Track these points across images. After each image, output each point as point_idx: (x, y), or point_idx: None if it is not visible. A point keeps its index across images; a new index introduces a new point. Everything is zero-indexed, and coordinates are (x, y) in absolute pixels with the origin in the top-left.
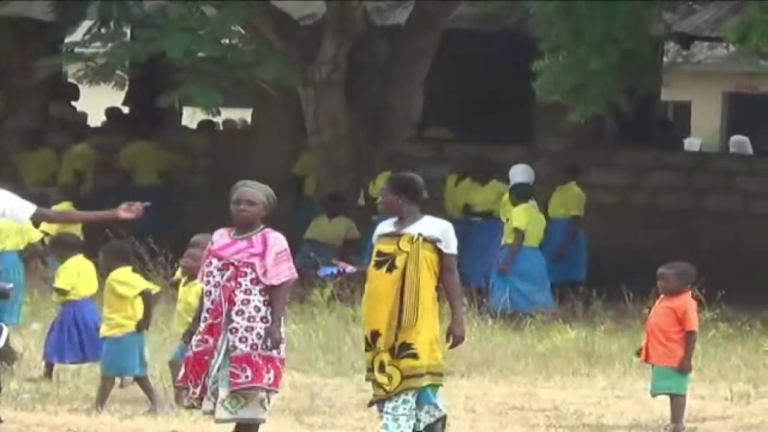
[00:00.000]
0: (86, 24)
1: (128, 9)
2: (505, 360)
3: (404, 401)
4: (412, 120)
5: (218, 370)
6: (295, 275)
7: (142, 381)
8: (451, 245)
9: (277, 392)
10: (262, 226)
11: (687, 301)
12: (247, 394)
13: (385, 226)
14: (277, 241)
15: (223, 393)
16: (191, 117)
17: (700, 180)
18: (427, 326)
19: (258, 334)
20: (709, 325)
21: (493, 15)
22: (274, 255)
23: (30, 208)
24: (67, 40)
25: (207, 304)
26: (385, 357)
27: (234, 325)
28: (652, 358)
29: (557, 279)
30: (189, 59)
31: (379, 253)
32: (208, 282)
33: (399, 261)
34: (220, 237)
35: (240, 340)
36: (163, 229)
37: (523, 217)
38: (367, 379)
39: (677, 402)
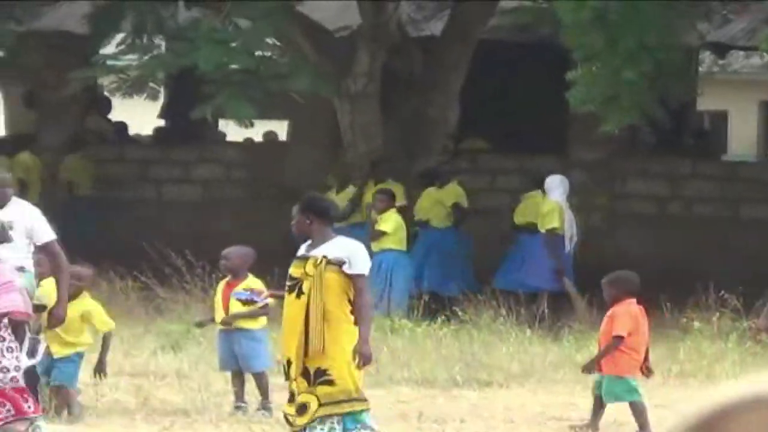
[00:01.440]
0: (120, 37)
1: (162, 22)
2: (544, 370)
3: (330, 428)
4: (447, 131)
5: None
6: (16, 308)
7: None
8: (357, 266)
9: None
10: None
11: (619, 309)
12: (9, 428)
13: (301, 249)
14: (1, 273)
15: None
16: (227, 129)
17: (736, 189)
18: (342, 351)
19: (4, 367)
20: (747, 335)
21: (528, 26)
22: None
23: (48, 235)
24: (101, 52)
25: None
26: (297, 386)
27: None
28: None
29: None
30: (222, 71)
31: (290, 277)
32: None
33: (305, 285)
34: None
35: None
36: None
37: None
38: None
39: (634, 409)
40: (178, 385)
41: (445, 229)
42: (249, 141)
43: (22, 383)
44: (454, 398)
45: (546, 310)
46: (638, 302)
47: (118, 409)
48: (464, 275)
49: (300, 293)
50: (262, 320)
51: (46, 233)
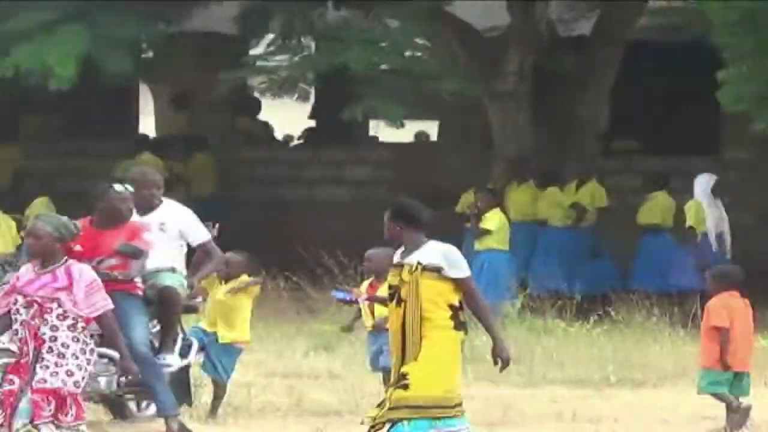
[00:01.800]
0: (269, 37)
1: (311, 22)
2: (697, 369)
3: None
4: (599, 131)
5: (21, 403)
6: (111, 305)
7: None
8: (457, 269)
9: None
10: (65, 259)
11: (716, 302)
12: (41, 427)
13: (396, 256)
14: (84, 273)
15: (19, 423)
16: (376, 129)
17: None
18: (431, 357)
19: (68, 371)
20: None
21: (678, 25)
22: (84, 287)
23: (203, 236)
24: (250, 53)
25: (16, 342)
26: (389, 392)
27: (45, 362)
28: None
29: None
30: (371, 72)
31: (389, 286)
32: (16, 320)
33: (403, 293)
34: (26, 272)
35: (51, 375)
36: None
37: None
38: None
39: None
40: (331, 386)
41: (564, 228)
42: (374, 139)
43: (77, 390)
44: (607, 398)
45: (698, 309)
46: (743, 295)
47: (271, 410)
48: (601, 274)
49: (399, 301)
50: None
51: (201, 234)
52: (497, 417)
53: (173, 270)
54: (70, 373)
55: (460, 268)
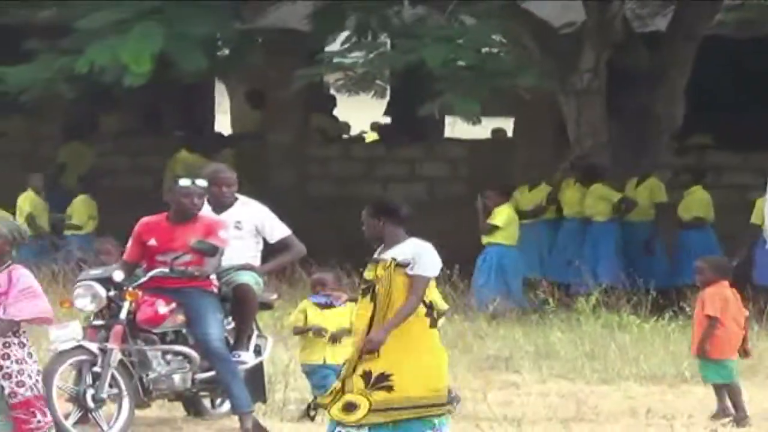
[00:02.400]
0: (345, 34)
1: (387, 19)
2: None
3: None
4: (674, 127)
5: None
6: (44, 315)
7: None
8: (420, 267)
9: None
10: (9, 263)
11: (710, 291)
12: None
13: (376, 252)
14: (22, 278)
15: None
16: (452, 126)
17: None
18: (412, 356)
19: (29, 374)
20: None
21: (753, 21)
22: (16, 292)
23: (280, 233)
24: (326, 50)
25: None
26: (352, 384)
27: (5, 370)
28: (693, 349)
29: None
30: (448, 68)
31: (364, 281)
32: None
33: (378, 288)
34: None
35: (17, 384)
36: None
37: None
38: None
39: (730, 390)
40: None
41: (609, 222)
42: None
43: (40, 391)
44: (682, 394)
45: None
46: (732, 286)
47: None
48: (653, 269)
49: (373, 297)
50: None
51: (279, 229)
52: (571, 413)
53: (251, 267)
54: (30, 377)
55: (422, 267)
